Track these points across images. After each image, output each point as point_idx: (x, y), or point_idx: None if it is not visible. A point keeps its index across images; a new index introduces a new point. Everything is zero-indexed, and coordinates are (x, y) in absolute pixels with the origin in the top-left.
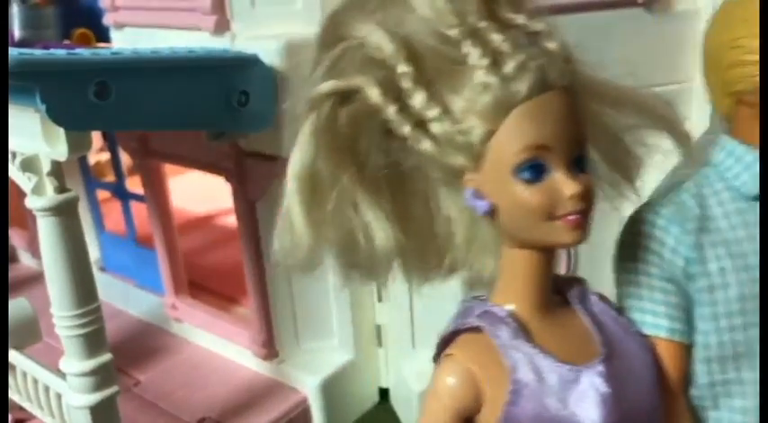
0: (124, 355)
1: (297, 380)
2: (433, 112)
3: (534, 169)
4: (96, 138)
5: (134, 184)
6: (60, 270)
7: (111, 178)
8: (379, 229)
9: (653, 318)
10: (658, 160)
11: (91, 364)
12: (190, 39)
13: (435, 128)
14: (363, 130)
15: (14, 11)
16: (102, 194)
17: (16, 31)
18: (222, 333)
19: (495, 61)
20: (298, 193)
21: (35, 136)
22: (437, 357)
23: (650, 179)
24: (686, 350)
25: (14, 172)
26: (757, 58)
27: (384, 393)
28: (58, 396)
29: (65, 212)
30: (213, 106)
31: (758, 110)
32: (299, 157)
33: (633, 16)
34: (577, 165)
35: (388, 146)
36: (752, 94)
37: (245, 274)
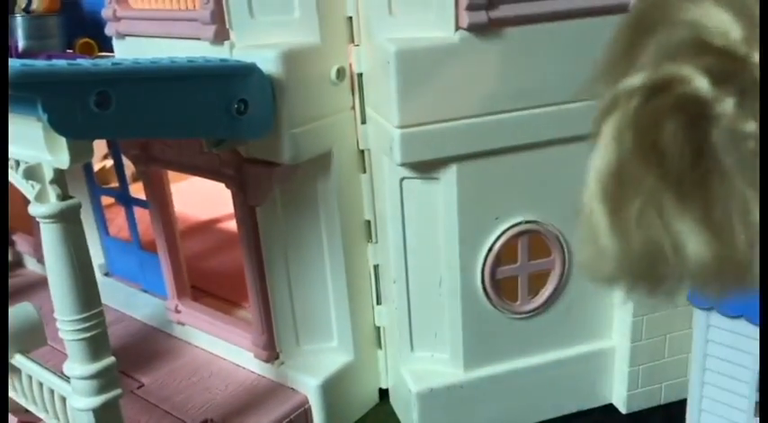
0: (128, 358)
1: (297, 381)
2: None
3: None
4: (101, 145)
5: (138, 190)
6: (63, 275)
7: (115, 184)
8: (692, 238)
9: None
10: None
11: (94, 367)
12: (190, 48)
13: None
14: (673, 125)
15: (18, 21)
16: (107, 200)
17: (20, 40)
18: (224, 336)
19: None
20: (602, 199)
21: (38, 145)
22: None
23: None
24: None
25: (18, 180)
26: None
27: (384, 394)
28: (63, 399)
29: (67, 219)
30: (213, 114)
31: None
32: (604, 157)
33: None
34: None
35: (700, 143)
36: None
37: (246, 278)
